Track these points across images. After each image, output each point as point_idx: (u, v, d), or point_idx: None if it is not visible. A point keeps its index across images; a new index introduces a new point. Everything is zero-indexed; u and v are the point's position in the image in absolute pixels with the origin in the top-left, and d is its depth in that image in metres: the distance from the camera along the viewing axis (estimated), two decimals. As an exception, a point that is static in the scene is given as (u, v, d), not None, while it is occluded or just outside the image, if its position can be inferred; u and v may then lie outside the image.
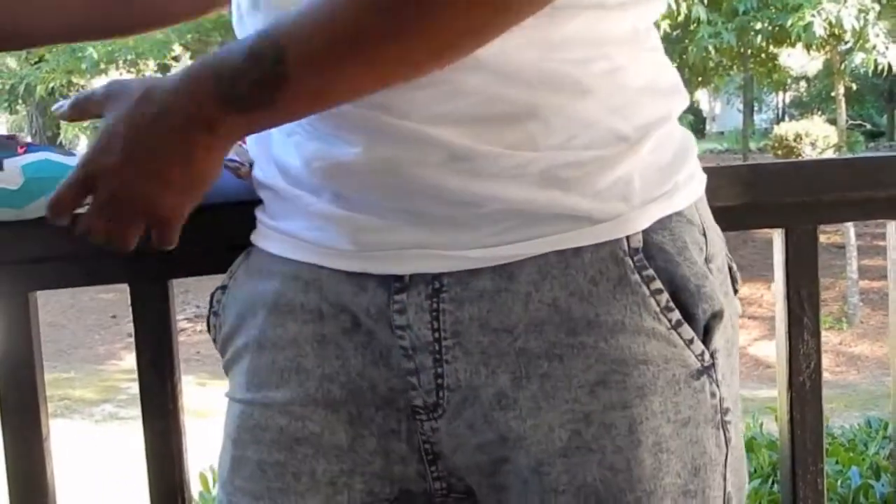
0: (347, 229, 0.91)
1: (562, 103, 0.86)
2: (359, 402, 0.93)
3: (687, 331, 0.90)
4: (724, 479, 0.93)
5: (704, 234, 0.93)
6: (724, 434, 0.93)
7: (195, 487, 3.24)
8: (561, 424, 0.88)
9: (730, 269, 0.98)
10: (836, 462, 2.89)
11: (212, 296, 1.05)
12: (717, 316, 0.91)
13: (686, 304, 0.90)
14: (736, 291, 0.98)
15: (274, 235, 0.97)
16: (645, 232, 0.89)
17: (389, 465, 0.94)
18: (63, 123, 15.33)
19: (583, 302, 0.88)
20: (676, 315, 0.89)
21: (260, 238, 1.00)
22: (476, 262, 0.88)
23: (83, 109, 0.95)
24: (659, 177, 0.91)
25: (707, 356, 0.91)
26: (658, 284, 0.88)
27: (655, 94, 0.93)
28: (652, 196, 0.90)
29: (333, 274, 0.93)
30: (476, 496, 0.95)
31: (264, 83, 0.79)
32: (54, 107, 0.98)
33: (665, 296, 0.89)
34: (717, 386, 0.92)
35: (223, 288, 1.04)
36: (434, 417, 0.92)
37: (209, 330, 1.05)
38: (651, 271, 0.88)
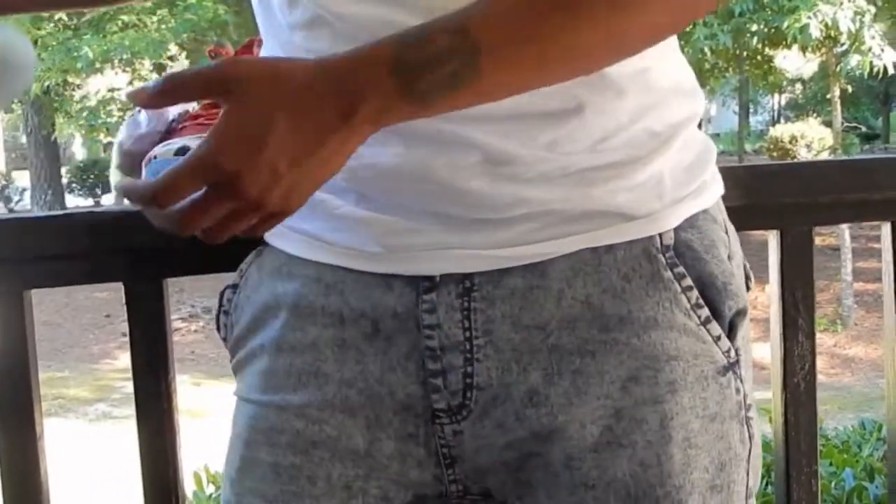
0: (374, 231, 0.90)
1: (602, 101, 0.87)
2: (377, 407, 0.92)
3: (715, 327, 0.91)
4: (747, 474, 0.94)
5: (727, 233, 0.96)
6: (748, 430, 0.94)
7: (189, 486, 3.24)
8: (592, 420, 0.89)
9: (744, 267, 0.99)
10: (830, 464, 2.89)
11: (221, 294, 1.03)
12: (741, 313, 0.93)
13: (713, 301, 0.91)
14: (749, 289, 0.99)
15: (292, 235, 0.96)
16: (675, 230, 0.90)
17: (406, 470, 0.93)
18: (58, 122, 15.32)
19: (615, 299, 0.89)
20: (705, 312, 0.91)
21: (276, 237, 0.98)
22: (508, 262, 0.88)
23: (186, 91, 0.79)
24: (686, 176, 0.92)
25: (732, 353, 0.93)
26: (688, 282, 0.90)
27: (681, 95, 0.94)
28: (681, 194, 0.91)
29: (358, 276, 0.92)
30: (493, 496, 0.95)
31: (453, 78, 0.76)
32: (130, 92, 0.78)
33: (695, 293, 0.90)
34: (742, 382, 0.94)
35: (234, 287, 1.02)
36: (457, 420, 0.91)
37: (218, 329, 1.04)
38: (682, 268, 0.90)
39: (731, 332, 0.93)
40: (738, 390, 0.93)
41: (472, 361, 0.89)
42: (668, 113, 0.92)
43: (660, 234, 0.90)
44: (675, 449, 0.89)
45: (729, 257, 0.94)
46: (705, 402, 0.90)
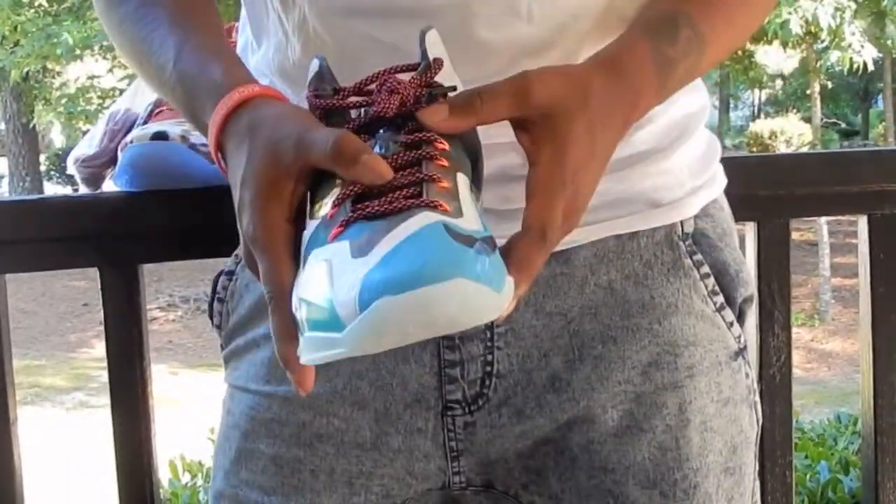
0: None
1: None
2: (387, 399, 0.91)
3: (728, 314, 0.94)
4: (755, 457, 0.97)
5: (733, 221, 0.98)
6: (755, 413, 0.97)
7: (164, 475, 3.23)
8: (613, 405, 0.90)
9: None
10: (806, 457, 2.90)
11: (216, 281, 1.00)
12: (748, 300, 0.96)
13: (726, 288, 0.94)
14: None
15: None
16: (693, 218, 0.92)
17: (411, 463, 0.93)
18: (37, 109, 15.23)
19: (638, 285, 0.90)
20: (720, 298, 0.93)
21: None
22: None
23: (494, 110, 0.72)
24: (700, 165, 0.95)
25: (742, 338, 0.95)
26: (706, 269, 0.92)
27: (693, 87, 0.95)
28: (697, 183, 0.93)
29: None
30: (495, 487, 0.94)
31: (689, 72, 0.80)
32: (424, 112, 0.70)
33: (712, 280, 0.93)
34: (749, 367, 0.96)
35: (229, 273, 0.99)
36: (471, 411, 0.91)
37: (211, 317, 1.01)
38: (700, 256, 0.92)
39: (739, 318, 0.95)
40: (747, 375, 0.96)
41: (492, 350, 0.90)
42: (686, 104, 0.93)
43: (681, 222, 0.92)
44: (692, 433, 0.91)
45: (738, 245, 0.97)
46: (719, 386, 0.93)
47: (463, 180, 0.69)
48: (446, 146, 0.69)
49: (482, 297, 0.60)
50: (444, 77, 0.72)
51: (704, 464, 0.91)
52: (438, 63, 0.71)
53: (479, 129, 0.75)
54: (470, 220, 0.65)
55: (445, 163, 0.68)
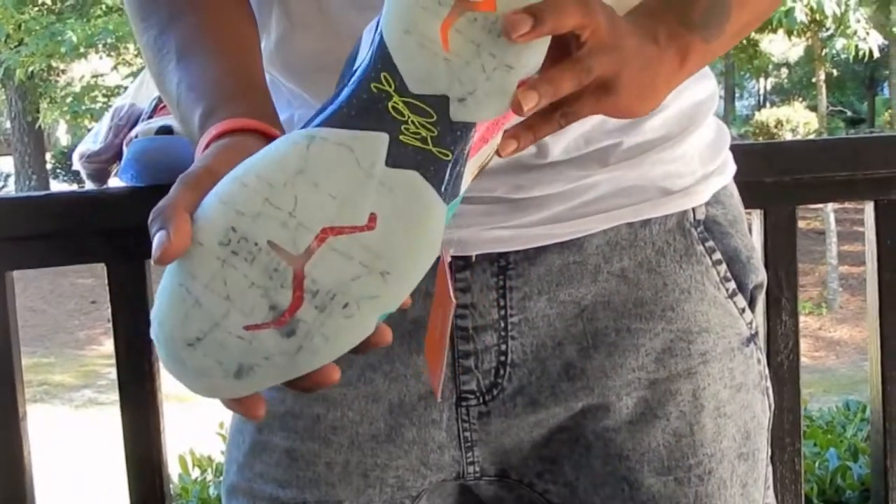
0: None
1: None
2: (401, 391, 0.92)
3: (740, 300, 0.94)
4: (768, 443, 0.97)
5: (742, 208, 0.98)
6: (768, 399, 0.97)
7: (174, 470, 3.24)
8: (628, 392, 0.90)
9: None
10: (815, 444, 2.90)
11: None
12: (760, 287, 0.96)
13: (738, 274, 0.94)
14: None
15: None
16: (704, 205, 0.92)
17: (426, 454, 0.93)
18: (43, 107, 15.26)
19: (651, 272, 0.90)
20: (732, 285, 0.93)
21: None
22: (546, 239, 0.87)
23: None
24: (710, 153, 0.94)
25: (754, 324, 0.96)
26: (718, 255, 0.93)
27: (700, 75, 0.95)
28: (708, 170, 0.93)
29: None
30: (509, 477, 0.94)
31: (720, 12, 0.78)
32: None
33: (724, 266, 0.93)
34: (761, 353, 0.96)
35: None
36: (486, 401, 0.91)
37: None
38: (711, 242, 0.92)
39: (751, 304, 0.96)
40: (759, 360, 0.96)
41: (506, 339, 0.90)
42: (694, 92, 0.93)
43: (693, 209, 0.92)
44: (706, 419, 0.91)
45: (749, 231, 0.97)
46: (732, 372, 0.93)
47: None
48: None
49: None
50: None
51: (719, 449, 0.91)
52: None
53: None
54: None
55: None
